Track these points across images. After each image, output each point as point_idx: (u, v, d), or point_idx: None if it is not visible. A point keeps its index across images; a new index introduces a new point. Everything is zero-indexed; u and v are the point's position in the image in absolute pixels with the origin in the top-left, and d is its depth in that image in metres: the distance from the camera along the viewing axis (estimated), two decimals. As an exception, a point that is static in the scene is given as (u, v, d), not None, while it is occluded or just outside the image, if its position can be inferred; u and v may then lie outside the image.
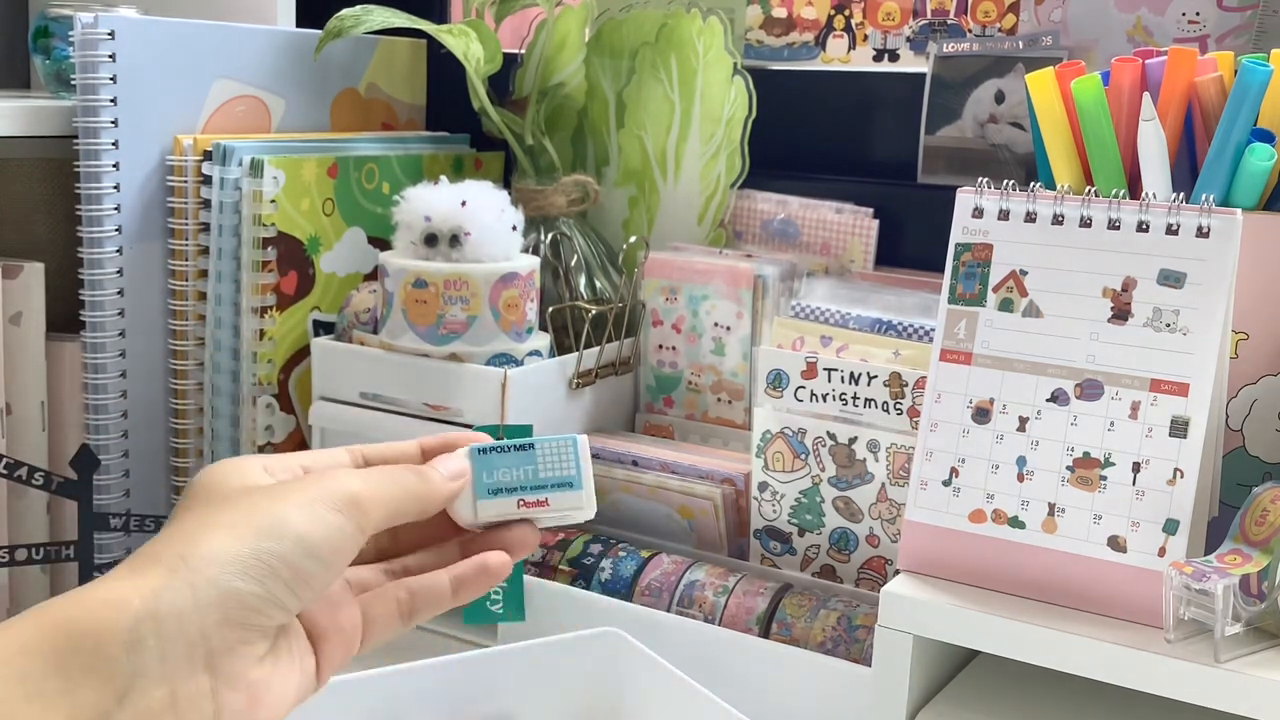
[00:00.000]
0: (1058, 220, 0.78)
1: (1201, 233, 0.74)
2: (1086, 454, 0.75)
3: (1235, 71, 0.80)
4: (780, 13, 1.28)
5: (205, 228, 1.11)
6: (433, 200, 1.05)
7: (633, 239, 1.20)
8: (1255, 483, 0.75)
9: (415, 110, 1.37)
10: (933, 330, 0.91)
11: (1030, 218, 0.78)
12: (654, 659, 0.85)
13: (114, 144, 1.06)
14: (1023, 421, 0.77)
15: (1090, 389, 0.76)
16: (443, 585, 0.56)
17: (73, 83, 1.06)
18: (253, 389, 1.12)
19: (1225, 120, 0.78)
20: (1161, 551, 0.73)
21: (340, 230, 1.18)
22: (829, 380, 0.98)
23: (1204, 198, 0.75)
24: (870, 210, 1.16)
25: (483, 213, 1.05)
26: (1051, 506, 0.76)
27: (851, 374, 0.97)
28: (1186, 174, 0.82)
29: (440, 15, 1.39)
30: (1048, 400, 0.76)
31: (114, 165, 1.07)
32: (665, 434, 1.16)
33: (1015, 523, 0.77)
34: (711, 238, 1.23)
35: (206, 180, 1.10)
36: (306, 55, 1.21)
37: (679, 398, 1.17)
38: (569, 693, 0.88)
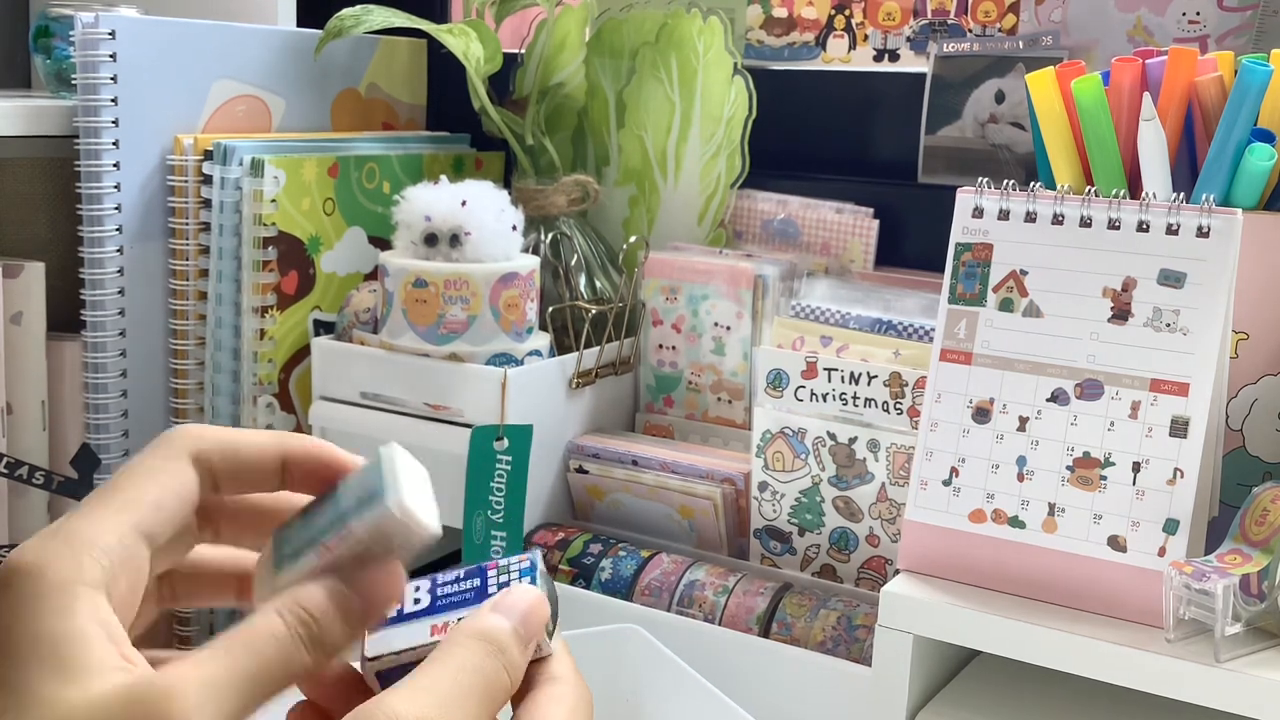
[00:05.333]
0: (1058, 220, 0.78)
1: (1201, 233, 0.74)
2: (1086, 454, 0.75)
3: (1235, 71, 0.80)
4: (781, 13, 1.28)
5: (206, 227, 1.11)
6: (433, 200, 1.05)
7: (633, 239, 1.20)
8: (1255, 483, 0.75)
9: (415, 110, 1.37)
10: (933, 330, 0.91)
11: (1030, 218, 0.78)
12: (672, 659, 0.85)
13: (114, 144, 1.06)
14: (1023, 421, 0.77)
15: (1090, 389, 0.76)
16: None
17: (73, 82, 1.06)
18: (253, 389, 1.12)
19: (1225, 120, 0.78)
20: (1161, 551, 0.73)
21: (340, 230, 1.18)
22: (829, 380, 0.98)
23: (1204, 198, 0.75)
24: (870, 210, 1.16)
25: (483, 213, 1.05)
26: (1051, 506, 0.76)
27: (851, 374, 0.97)
28: (1186, 174, 0.82)
29: (440, 15, 1.39)
30: (1048, 400, 0.76)
31: (114, 165, 1.07)
32: (665, 434, 1.16)
33: (1015, 523, 0.77)
34: (711, 238, 1.23)
35: (207, 180, 1.10)
36: (307, 55, 1.21)
37: (679, 398, 1.17)
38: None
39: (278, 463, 0.44)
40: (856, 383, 0.97)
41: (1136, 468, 0.74)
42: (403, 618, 0.41)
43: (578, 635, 0.88)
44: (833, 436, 0.97)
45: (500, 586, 0.41)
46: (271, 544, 0.43)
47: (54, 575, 0.37)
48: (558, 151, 1.24)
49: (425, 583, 0.42)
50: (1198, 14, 1.07)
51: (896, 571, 0.81)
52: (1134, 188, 0.81)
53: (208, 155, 1.10)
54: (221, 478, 0.43)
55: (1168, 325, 0.74)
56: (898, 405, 0.95)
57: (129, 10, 1.12)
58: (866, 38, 1.24)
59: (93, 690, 0.35)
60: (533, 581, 0.42)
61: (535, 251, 1.16)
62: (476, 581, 0.42)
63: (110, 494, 0.41)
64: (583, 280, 1.20)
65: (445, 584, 0.42)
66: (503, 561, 0.42)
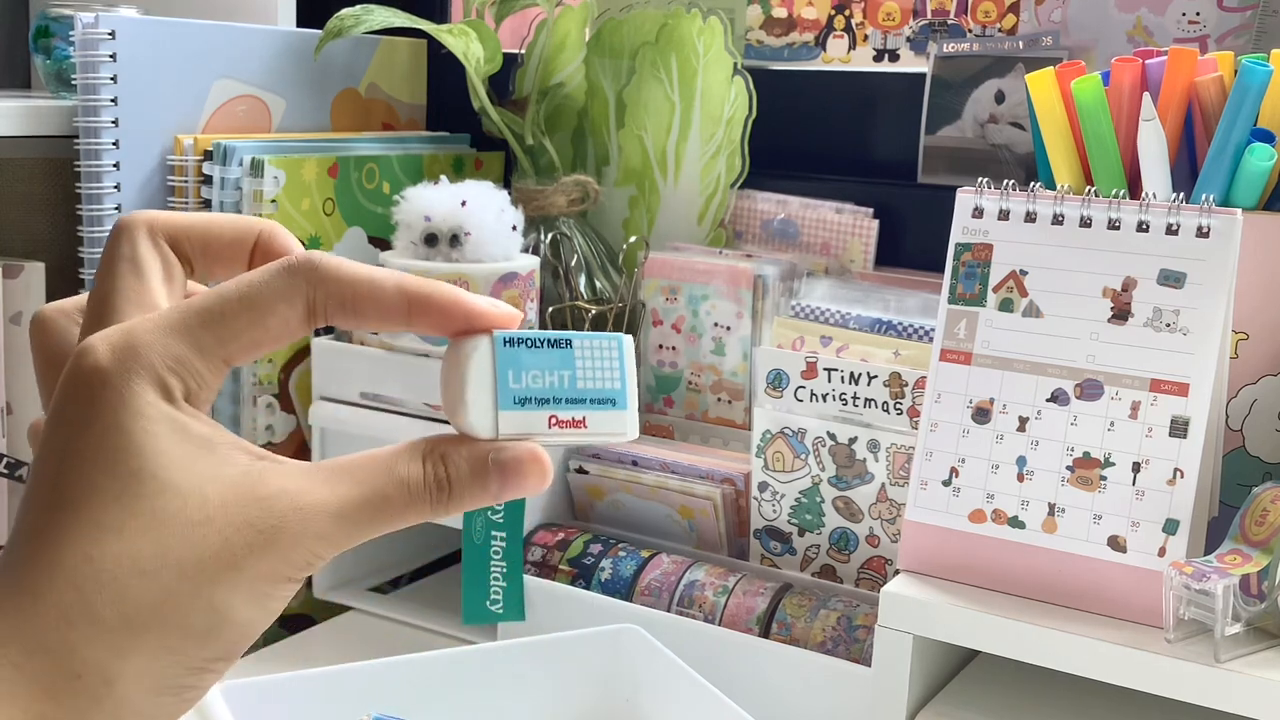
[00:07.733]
0: (1058, 220, 0.78)
1: (1201, 233, 0.74)
2: (1086, 454, 0.75)
3: (1235, 71, 0.80)
4: (780, 13, 1.28)
5: (205, 227, 1.11)
6: (433, 200, 1.05)
7: (633, 239, 1.20)
8: (1255, 483, 0.75)
9: (415, 110, 1.37)
10: (933, 330, 0.91)
11: (1030, 218, 0.79)
12: (672, 659, 0.85)
13: (114, 144, 1.06)
14: (1023, 421, 0.77)
15: (1090, 389, 0.76)
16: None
17: (73, 82, 1.06)
18: (253, 388, 1.12)
19: (1225, 120, 0.78)
20: (1161, 551, 0.73)
21: (341, 230, 1.18)
22: (829, 380, 0.98)
23: (1204, 198, 0.75)
24: (870, 210, 1.16)
25: (483, 213, 1.05)
26: (1051, 506, 0.76)
27: (851, 374, 0.97)
28: (1186, 174, 0.82)
29: (440, 15, 1.39)
30: (1048, 400, 0.77)
31: (114, 165, 1.07)
32: (665, 434, 1.16)
33: (1015, 523, 0.77)
34: (711, 238, 1.23)
35: (207, 180, 1.10)
36: (307, 55, 1.21)
37: (679, 398, 1.17)
38: (584, 687, 0.88)
39: (250, 246, 0.44)
40: (856, 383, 0.97)
41: (1136, 468, 0.74)
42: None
43: (578, 635, 0.88)
44: (833, 436, 0.97)
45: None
46: (492, 356, 0.40)
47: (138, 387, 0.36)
48: (558, 151, 1.24)
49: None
50: (1198, 14, 1.07)
51: (896, 571, 0.81)
52: (1134, 188, 0.81)
53: (208, 155, 1.10)
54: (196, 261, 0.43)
55: (1168, 325, 0.74)
56: (898, 405, 0.95)
57: (129, 10, 1.12)
58: (866, 38, 1.24)
59: (239, 463, 0.36)
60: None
61: (535, 251, 1.16)
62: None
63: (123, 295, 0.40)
64: (583, 280, 1.20)
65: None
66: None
